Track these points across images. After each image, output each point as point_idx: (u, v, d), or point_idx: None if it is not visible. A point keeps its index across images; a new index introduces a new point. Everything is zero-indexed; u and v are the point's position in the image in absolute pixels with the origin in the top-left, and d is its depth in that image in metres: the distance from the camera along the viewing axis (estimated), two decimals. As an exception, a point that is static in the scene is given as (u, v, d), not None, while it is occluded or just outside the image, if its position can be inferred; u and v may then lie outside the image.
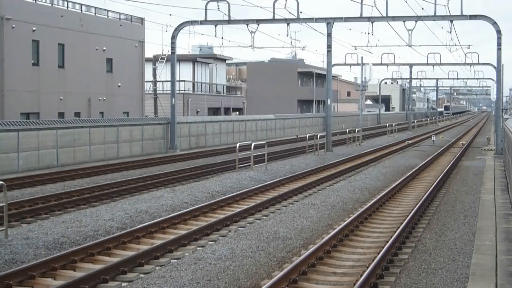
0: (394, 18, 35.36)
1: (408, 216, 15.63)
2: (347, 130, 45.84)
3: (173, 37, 36.46)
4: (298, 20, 36.16)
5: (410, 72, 78.95)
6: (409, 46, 40.98)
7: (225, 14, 35.15)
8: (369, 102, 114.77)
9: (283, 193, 19.98)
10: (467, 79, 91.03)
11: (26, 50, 36.35)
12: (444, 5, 36.10)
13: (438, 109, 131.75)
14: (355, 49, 55.12)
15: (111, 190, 20.23)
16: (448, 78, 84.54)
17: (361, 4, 34.62)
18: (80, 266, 11.58)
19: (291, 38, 44.09)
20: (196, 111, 56.46)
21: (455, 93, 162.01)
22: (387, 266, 11.50)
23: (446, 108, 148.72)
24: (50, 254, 12.22)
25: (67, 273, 11.15)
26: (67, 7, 39.98)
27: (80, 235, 13.72)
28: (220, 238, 14.07)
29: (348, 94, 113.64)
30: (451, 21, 35.37)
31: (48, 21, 37.50)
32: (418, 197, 19.69)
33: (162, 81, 55.54)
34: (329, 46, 36.58)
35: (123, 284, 10.74)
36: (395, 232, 13.81)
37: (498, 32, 34.42)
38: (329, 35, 36.08)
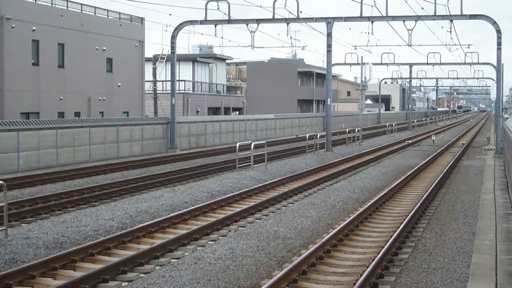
0: (394, 18, 35.36)
1: (408, 215, 15.63)
2: (347, 130, 45.84)
3: (173, 37, 36.46)
4: (298, 19, 36.16)
5: (410, 71, 78.97)
6: (409, 45, 40.97)
7: (225, 13, 35.17)
8: (369, 101, 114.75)
9: (283, 193, 19.97)
10: (467, 78, 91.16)
11: (26, 50, 36.34)
12: (444, 5, 36.20)
13: (452, 108, 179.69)
14: (355, 48, 55.12)
15: (111, 189, 20.23)
16: (448, 78, 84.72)
17: (361, 3, 34.63)
18: (80, 265, 11.58)
19: (291, 37, 44.13)
20: (196, 111, 56.46)
21: (455, 92, 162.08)
22: (387, 266, 11.50)
23: (459, 107, 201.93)
24: (50, 253, 12.22)
25: (67, 272, 11.15)
26: (67, 7, 39.97)
27: (80, 234, 13.72)
28: (220, 237, 14.07)
29: (348, 93, 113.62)
30: (451, 21, 35.37)
31: (48, 21, 37.50)
32: (418, 197, 19.69)
33: (162, 81, 55.54)
34: (329, 46, 36.58)
35: (123, 284, 10.74)
36: (395, 231, 13.81)
37: (498, 31, 34.40)
38: (329, 34, 36.08)
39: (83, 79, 40.56)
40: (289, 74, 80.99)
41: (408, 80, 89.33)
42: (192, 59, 62.82)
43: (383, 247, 12.42)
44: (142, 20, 47.99)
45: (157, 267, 11.56)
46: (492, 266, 10.80)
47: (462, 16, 34.55)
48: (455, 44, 52.90)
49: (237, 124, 46.16)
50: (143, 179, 22.81)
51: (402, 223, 14.79)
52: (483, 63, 62.40)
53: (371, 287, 10.36)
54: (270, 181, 22.30)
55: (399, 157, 34.59)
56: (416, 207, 16.77)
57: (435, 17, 35.23)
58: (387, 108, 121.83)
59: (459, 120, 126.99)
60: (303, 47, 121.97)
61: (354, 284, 10.18)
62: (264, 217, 16.56)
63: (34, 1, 37.48)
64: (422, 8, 66.89)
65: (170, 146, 36.33)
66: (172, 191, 19.81)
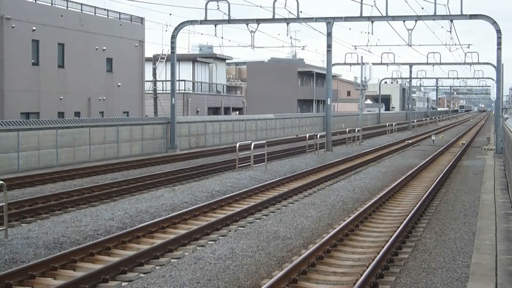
0: (394, 18, 35.36)
1: (408, 215, 15.63)
2: (347, 130, 45.84)
3: (173, 37, 36.46)
4: (298, 19, 36.15)
5: (410, 71, 78.97)
6: (409, 45, 40.97)
7: (225, 13, 35.18)
8: (369, 101, 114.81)
9: (283, 193, 19.97)
10: (467, 78, 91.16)
11: (26, 50, 36.32)
12: (444, 5, 36.23)
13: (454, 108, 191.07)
14: (355, 48, 55.11)
15: (111, 189, 20.23)
16: (448, 78, 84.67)
17: (361, 3, 34.63)
18: (80, 265, 11.58)
19: (291, 37, 44.17)
20: (196, 111, 56.46)
21: (455, 92, 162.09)
22: (387, 266, 11.50)
23: (461, 107, 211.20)
24: (50, 253, 12.22)
25: (67, 272, 11.15)
26: (67, 7, 39.95)
27: (80, 234, 13.72)
28: (220, 237, 14.07)
29: (348, 93, 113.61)
30: (451, 21, 35.37)
31: (48, 21, 37.48)
32: (418, 197, 19.69)
33: (162, 81, 55.53)
34: (329, 46, 36.57)
35: (123, 283, 10.74)
36: (395, 231, 13.81)
37: (498, 31, 34.41)
38: (329, 34, 36.07)
39: (83, 79, 40.55)
40: (289, 74, 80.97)
41: (408, 80, 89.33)
42: (192, 59, 62.81)
43: (383, 247, 12.42)
44: (142, 20, 47.97)
45: (157, 267, 11.56)
46: (492, 266, 10.81)
47: (462, 16, 34.55)
48: (455, 44, 52.88)
49: (237, 124, 46.16)
50: (143, 179, 22.81)
51: (402, 223, 14.79)
52: (483, 63, 62.38)
53: (371, 287, 10.36)
54: (270, 181, 22.30)
55: (399, 157, 34.59)
56: (416, 207, 16.77)
57: (435, 17, 35.23)
58: (387, 108, 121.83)
59: (459, 120, 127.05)
60: (303, 47, 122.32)
61: (354, 284, 10.18)
62: (264, 217, 16.56)
63: (34, 1, 37.47)
64: (422, 8, 66.92)
65: (170, 146, 36.33)
66: (172, 191, 19.81)
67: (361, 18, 35.36)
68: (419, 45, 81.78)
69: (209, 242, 13.57)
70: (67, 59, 39.40)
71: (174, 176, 24.23)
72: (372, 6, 34.66)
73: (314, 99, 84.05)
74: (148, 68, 50.53)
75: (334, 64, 51.70)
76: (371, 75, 49.85)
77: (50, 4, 38.62)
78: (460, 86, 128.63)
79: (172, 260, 12.09)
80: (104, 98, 42.73)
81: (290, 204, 18.54)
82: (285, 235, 13.91)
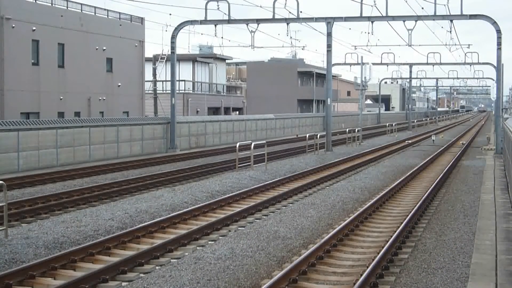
0: (394, 18, 35.37)
1: (408, 215, 15.63)
2: (347, 130, 45.84)
3: (173, 37, 36.46)
4: (298, 19, 36.16)
5: (410, 71, 78.98)
6: (409, 45, 40.97)
7: (225, 13, 35.19)
8: (369, 101, 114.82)
9: (283, 193, 19.97)
10: (467, 78, 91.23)
11: (26, 50, 36.32)
12: (444, 5, 36.22)
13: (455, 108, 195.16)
14: (355, 48, 55.13)
15: (111, 189, 20.23)
16: (448, 78, 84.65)
17: (361, 3, 34.63)
18: (80, 265, 11.58)
19: (291, 37, 44.11)
20: (196, 111, 56.47)
21: (455, 92, 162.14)
22: (387, 266, 11.50)
23: (462, 107, 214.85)
24: (50, 253, 12.22)
25: (67, 272, 11.15)
26: (67, 7, 39.95)
27: (80, 234, 13.72)
28: (220, 237, 14.07)
29: (348, 93, 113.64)
30: (451, 21, 35.38)
31: (48, 21, 37.47)
32: (418, 197, 19.69)
33: (162, 81, 55.53)
34: (329, 46, 36.58)
35: (123, 283, 10.74)
36: (395, 231, 13.82)
37: (498, 31, 34.42)
38: (329, 34, 36.08)
39: (83, 79, 40.54)
40: (289, 74, 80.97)
41: (408, 80, 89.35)
42: (192, 59, 62.81)
43: (383, 247, 12.42)
44: (142, 20, 47.98)
45: (157, 267, 11.56)
46: (492, 266, 10.81)
47: (462, 16, 34.56)
48: (455, 44, 52.96)
49: (237, 124, 46.16)
50: (143, 179, 22.81)
51: (402, 223, 14.79)
52: (483, 63, 62.40)
53: (371, 287, 10.36)
54: (270, 181, 22.29)
55: (399, 157, 34.59)
56: (416, 207, 16.77)
57: (435, 17, 35.24)
58: (387, 108, 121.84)
59: (459, 120, 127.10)
60: (303, 47, 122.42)
61: (354, 284, 10.18)
62: (264, 217, 16.56)
63: (34, 1, 37.46)
64: (422, 8, 67.00)
65: (170, 146, 36.34)
66: (172, 191, 19.81)
67: (361, 18, 35.37)
68: (419, 45, 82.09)
69: (209, 242, 13.58)
70: (67, 59, 39.40)
71: (174, 176, 24.23)
72: (372, 6, 34.71)
73: (314, 99, 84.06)
74: (148, 68, 50.53)
75: (334, 64, 51.72)
76: (371, 75, 49.84)
77: (50, 4, 38.62)
78: (460, 86, 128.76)
79: (172, 260, 12.09)
80: (104, 98, 42.73)
81: (290, 204, 18.54)
82: (285, 235, 13.91)
